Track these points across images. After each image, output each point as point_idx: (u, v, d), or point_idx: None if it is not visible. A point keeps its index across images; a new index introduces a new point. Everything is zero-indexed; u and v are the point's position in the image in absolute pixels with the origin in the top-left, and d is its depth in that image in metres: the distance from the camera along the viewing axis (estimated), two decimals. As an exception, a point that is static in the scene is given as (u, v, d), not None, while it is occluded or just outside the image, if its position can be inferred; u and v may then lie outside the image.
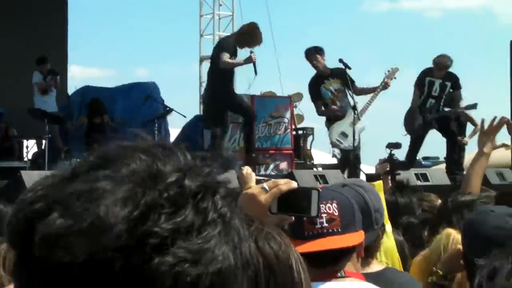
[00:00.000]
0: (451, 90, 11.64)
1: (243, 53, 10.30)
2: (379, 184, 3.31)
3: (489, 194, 4.08)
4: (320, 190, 2.01)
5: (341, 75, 10.82)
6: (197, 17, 18.20)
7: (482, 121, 4.64)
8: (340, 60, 10.93)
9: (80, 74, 39.70)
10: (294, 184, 1.98)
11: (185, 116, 14.02)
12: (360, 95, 11.01)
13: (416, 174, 9.64)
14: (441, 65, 11.58)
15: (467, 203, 3.90)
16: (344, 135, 10.70)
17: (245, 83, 11.53)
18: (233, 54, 9.99)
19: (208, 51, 17.97)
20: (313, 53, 10.88)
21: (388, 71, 10.74)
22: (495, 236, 2.97)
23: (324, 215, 2.39)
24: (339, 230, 2.39)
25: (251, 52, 10.10)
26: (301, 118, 13.98)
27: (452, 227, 3.55)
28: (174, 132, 14.92)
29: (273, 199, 1.95)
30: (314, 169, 11.66)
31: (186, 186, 0.92)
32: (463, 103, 11.68)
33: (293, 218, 2.07)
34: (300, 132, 13.31)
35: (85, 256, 0.86)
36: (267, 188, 1.96)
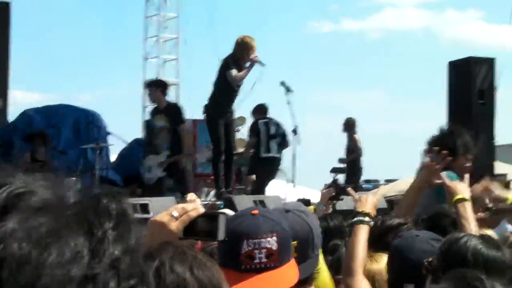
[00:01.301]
0: None
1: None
2: (311, 209, 3.28)
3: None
4: (227, 214, 2.07)
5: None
6: (140, 41, 18.09)
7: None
8: (282, 83, 10.90)
9: (22, 99, 38.89)
10: (201, 210, 2.05)
11: (127, 143, 13.87)
12: None
13: (357, 199, 9.55)
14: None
15: (393, 227, 3.88)
16: (149, 169, 10.89)
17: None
18: (239, 70, 10.10)
19: (152, 74, 17.89)
20: None
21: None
22: (423, 260, 2.95)
23: (263, 250, 2.32)
24: (277, 264, 2.33)
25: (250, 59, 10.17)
26: (242, 142, 13.80)
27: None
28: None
29: (183, 226, 2.01)
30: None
31: None
32: None
33: (200, 242, 2.20)
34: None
35: None
36: (175, 215, 2.01)
